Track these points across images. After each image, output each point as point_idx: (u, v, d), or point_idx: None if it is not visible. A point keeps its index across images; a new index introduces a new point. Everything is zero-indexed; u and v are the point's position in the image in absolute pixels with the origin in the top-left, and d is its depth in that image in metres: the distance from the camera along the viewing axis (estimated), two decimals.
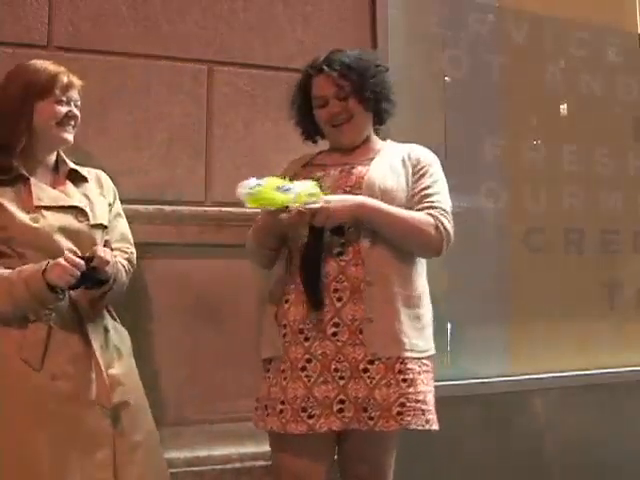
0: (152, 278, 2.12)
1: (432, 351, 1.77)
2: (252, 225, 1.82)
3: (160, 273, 2.12)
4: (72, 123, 1.72)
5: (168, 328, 2.13)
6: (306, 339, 1.67)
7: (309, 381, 1.64)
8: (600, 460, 2.79)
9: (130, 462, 1.65)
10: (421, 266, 1.81)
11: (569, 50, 3.10)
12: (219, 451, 1.90)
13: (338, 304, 1.67)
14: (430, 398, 1.71)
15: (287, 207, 1.61)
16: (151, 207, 2.13)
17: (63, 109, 1.69)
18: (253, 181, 1.60)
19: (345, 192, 1.72)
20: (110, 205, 1.84)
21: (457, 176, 2.79)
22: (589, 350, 2.93)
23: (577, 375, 2.83)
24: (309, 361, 1.66)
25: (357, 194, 1.70)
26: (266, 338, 1.77)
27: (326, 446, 1.74)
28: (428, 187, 1.78)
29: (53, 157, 1.76)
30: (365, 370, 1.64)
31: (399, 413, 1.62)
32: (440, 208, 1.75)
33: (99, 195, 1.82)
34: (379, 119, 1.90)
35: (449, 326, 2.72)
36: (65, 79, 1.69)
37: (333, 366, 1.64)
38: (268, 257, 1.82)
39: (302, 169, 1.86)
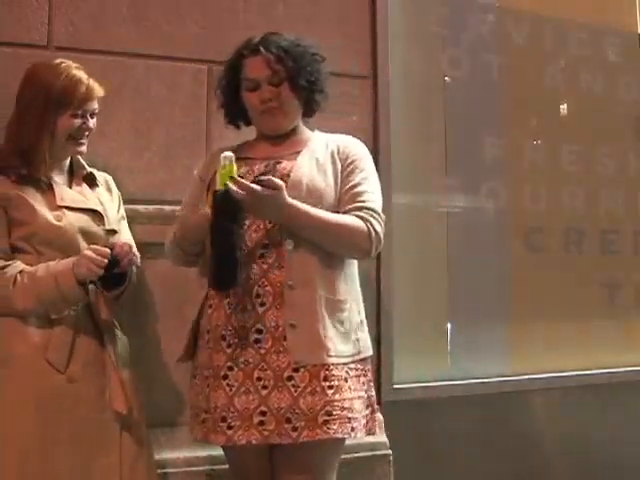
0: (152, 278, 2.12)
1: (365, 353, 1.69)
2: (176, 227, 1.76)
3: (160, 273, 2.12)
4: (86, 134, 1.72)
5: (167, 328, 2.13)
6: (228, 346, 1.61)
7: (230, 390, 1.58)
8: (600, 460, 2.79)
9: (133, 470, 1.66)
10: (349, 268, 1.72)
11: (569, 50, 3.10)
12: (219, 451, 1.90)
13: (260, 309, 1.59)
14: (357, 405, 1.62)
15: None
16: (151, 207, 2.13)
17: (77, 122, 1.68)
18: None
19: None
20: (117, 210, 1.85)
21: (457, 176, 2.80)
22: (589, 350, 2.93)
23: (577, 375, 2.83)
24: (231, 369, 1.59)
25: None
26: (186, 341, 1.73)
27: (262, 457, 1.68)
28: (358, 185, 1.69)
29: (68, 159, 1.77)
30: (290, 378, 1.56)
31: (325, 422, 1.54)
32: (370, 209, 1.66)
33: (109, 200, 1.83)
34: (309, 110, 1.78)
35: (449, 326, 2.72)
36: (83, 89, 1.67)
37: (256, 375, 1.57)
38: (190, 261, 1.78)
39: None
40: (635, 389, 2.93)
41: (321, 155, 1.72)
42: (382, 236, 1.68)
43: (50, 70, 1.68)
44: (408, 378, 2.47)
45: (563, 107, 3.10)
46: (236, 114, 1.82)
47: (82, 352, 1.63)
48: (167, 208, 2.13)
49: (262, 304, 1.60)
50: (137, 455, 1.68)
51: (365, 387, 1.67)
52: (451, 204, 2.81)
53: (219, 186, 1.55)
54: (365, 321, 1.75)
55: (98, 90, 1.71)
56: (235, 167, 1.55)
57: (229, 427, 1.57)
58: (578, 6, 3.13)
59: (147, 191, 2.18)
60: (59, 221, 1.63)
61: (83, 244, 1.66)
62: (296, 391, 1.55)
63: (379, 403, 2.36)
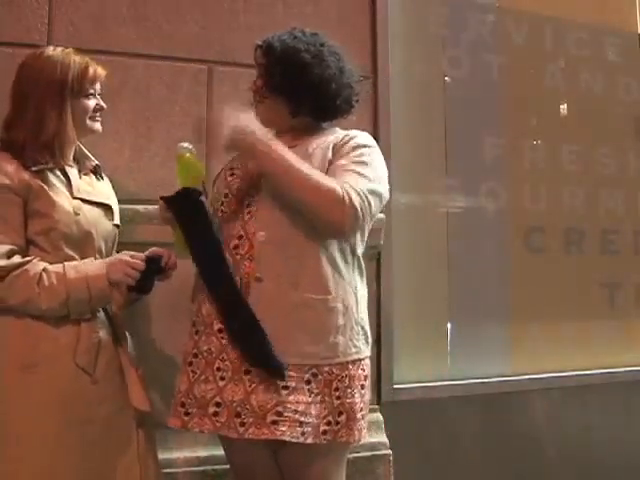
0: None
1: (345, 357, 1.59)
2: None
3: None
4: (99, 113, 1.74)
5: (168, 328, 2.13)
6: (196, 332, 1.62)
7: (193, 377, 1.59)
8: (601, 460, 2.79)
9: (146, 467, 1.68)
10: (335, 269, 1.60)
11: (569, 50, 3.10)
12: (219, 451, 1.89)
13: None
14: (313, 410, 1.54)
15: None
16: (151, 207, 2.13)
17: (92, 102, 1.70)
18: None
19: (251, 181, 1.63)
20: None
21: (457, 176, 2.80)
22: (589, 350, 2.93)
23: (577, 375, 2.83)
24: (195, 356, 1.60)
25: (257, 177, 1.60)
26: None
27: (260, 454, 1.65)
28: (345, 165, 1.58)
29: (73, 150, 1.75)
30: (247, 372, 1.53)
31: (274, 422, 1.50)
32: (352, 186, 1.52)
33: (114, 194, 1.83)
34: (310, 112, 1.68)
35: (449, 326, 2.72)
36: (92, 71, 1.70)
37: (216, 365, 1.56)
38: None
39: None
40: (635, 389, 2.93)
41: (312, 148, 1.64)
42: (363, 214, 1.52)
43: (55, 59, 1.67)
44: (408, 378, 2.47)
45: (563, 107, 3.10)
46: None
47: (105, 352, 1.63)
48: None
49: None
50: (148, 451, 1.70)
51: (338, 393, 1.57)
52: (451, 204, 2.81)
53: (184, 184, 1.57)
54: (356, 325, 1.63)
55: (102, 72, 1.74)
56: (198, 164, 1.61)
57: (186, 413, 1.58)
58: (578, 6, 3.13)
59: (147, 191, 2.18)
60: (77, 214, 1.62)
61: (98, 240, 1.66)
62: (250, 386, 1.53)
63: (379, 403, 2.36)
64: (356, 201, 1.50)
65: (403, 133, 2.61)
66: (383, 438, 2.28)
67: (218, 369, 1.56)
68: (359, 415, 1.61)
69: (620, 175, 3.15)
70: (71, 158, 1.71)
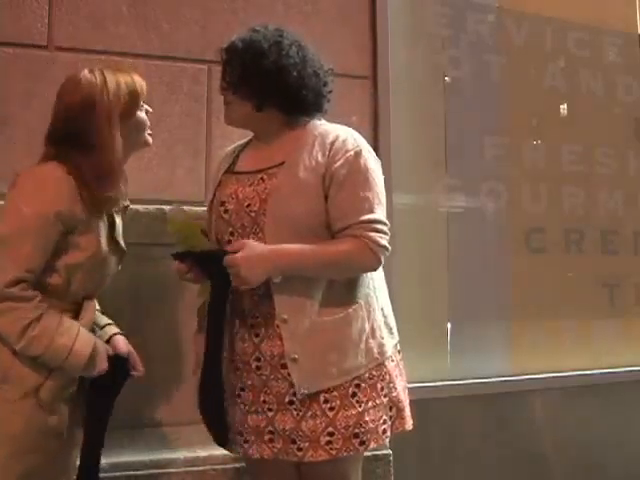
0: (152, 278, 2.12)
1: (381, 358, 1.63)
2: None
3: (160, 273, 2.12)
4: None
5: (168, 328, 2.13)
6: (236, 369, 1.64)
7: (244, 408, 1.63)
8: (601, 460, 2.79)
9: None
10: (352, 280, 1.62)
11: (569, 50, 3.10)
12: (219, 451, 1.89)
13: (256, 340, 1.60)
14: (367, 417, 1.57)
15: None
16: (151, 207, 2.13)
17: (144, 115, 1.64)
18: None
19: (250, 217, 1.59)
20: None
21: (457, 176, 2.80)
22: (589, 350, 2.93)
23: (577, 375, 2.83)
24: (242, 390, 1.64)
25: (261, 220, 1.57)
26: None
27: (285, 471, 1.68)
28: (346, 199, 1.57)
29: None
30: (291, 402, 1.57)
31: (328, 442, 1.55)
32: (362, 222, 1.55)
33: None
34: (276, 105, 1.63)
35: (449, 326, 2.72)
36: (140, 87, 1.61)
37: (262, 398, 1.60)
38: None
39: (224, 177, 1.71)
40: (635, 389, 2.93)
41: (302, 169, 1.58)
42: (385, 242, 1.57)
43: (109, 88, 1.55)
44: (408, 378, 2.46)
45: (563, 107, 3.10)
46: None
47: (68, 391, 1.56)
48: (167, 208, 2.14)
49: (257, 335, 1.60)
50: None
51: (385, 391, 1.63)
52: (451, 204, 2.81)
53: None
54: (381, 322, 1.67)
55: (142, 80, 1.65)
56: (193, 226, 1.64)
57: (245, 441, 1.63)
58: (578, 6, 3.13)
59: (147, 191, 2.18)
60: (107, 258, 1.58)
61: (107, 284, 1.64)
62: (298, 415, 1.57)
63: None
64: (376, 238, 1.55)
65: (403, 133, 2.61)
66: (385, 441, 2.28)
67: (264, 402, 1.60)
68: (405, 403, 1.69)
69: (620, 175, 3.15)
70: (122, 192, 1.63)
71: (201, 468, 2.09)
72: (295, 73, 1.61)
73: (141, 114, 1.62)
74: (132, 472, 1.98)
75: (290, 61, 1.61)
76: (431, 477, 2.51)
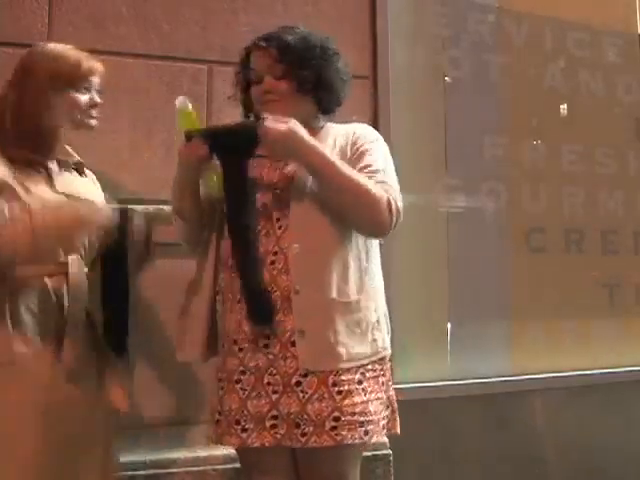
0: (152, 278, 2.12)
1: (383, 352, 1.65)
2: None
3: (160, 273, 2.12)
4: (95, 110, 1.70)
5: (168, 328, 2.13)
6: (240, 350, 1.60)
7: (243, 394, 1.58)
8: (601, 460, 2.79)
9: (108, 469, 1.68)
10: (365, 268, 1.65)
11: (569, 50, 3.10)
12: (219, 451, 1.90)
13: None
14: (372, 408, 1.58)
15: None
16: (151, 207, 2.13)
17: (84, 97, 1.67)
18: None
19: (275, 194, 1.62)
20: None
21: (457, 176, 2.80)
22: (589, 350, 2.93)
23: (577, 375, 2.83)
24: (243, 373, 1.59)
25: (283, 191, 1.61)
26: (189, 338, 1.69)
27: (282, 462, 1.65)
28: (369, 165, 1.62)
29: (57, 145, 1.73)
30: (298, 384, 1.54)
31: (333, 428, 1.52)
32: (387, 183, 1.61)
33: (99, 194, 1.81)
34: (321, 107, 1.72)
35: (449, 326, 2.72)
36: (86, 65, 1.66)
37: (266, 380, 1.57)
38: (190, 220, 1.72)
39: None
40: (635, 389, 2.93)
41: (328, 151, 1.65)
42: (402, 213, 1.61)
43: (48, 55, 1.66)
44: (408, 378, 2.47)
45: (563, 107, 3.10)
46: (247, 109, 1.79)
47: (76, 349, 1.60)
48: (167, 208, 2.13)
49: None
50: (109, 455, 1.70)
51: (384, 387, 1.64)
52: (451, 204, 2.81)
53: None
54: (383, 319, 1.68)
55: (98, 67, 1.70)
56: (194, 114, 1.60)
57: (243, 430, 1.57)
58: (578, 6, 3.13)
59: (147, 191, 2.18)
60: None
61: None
62: (304, 397, 1.54)
63: None
64: (399, 203, 1.61)
65: (403, 133, 2.61)
66: (383, 438, 2.27)
67: (268, 384, 1.56)
68: (395, 405, 1.69)
69: (620, 175, 3.15)
70: (55, 154, 1.69)
71: (201, 468, 2.09)
72: (339, 72, 1.70)
73: (76, 94, 1.65)
74: (132, 472, 1.99)
75: (335, 59, 1.70)
76: (431, 477, 2.51)
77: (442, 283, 2.71)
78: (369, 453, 2.22)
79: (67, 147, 1.77)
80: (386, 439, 2.29)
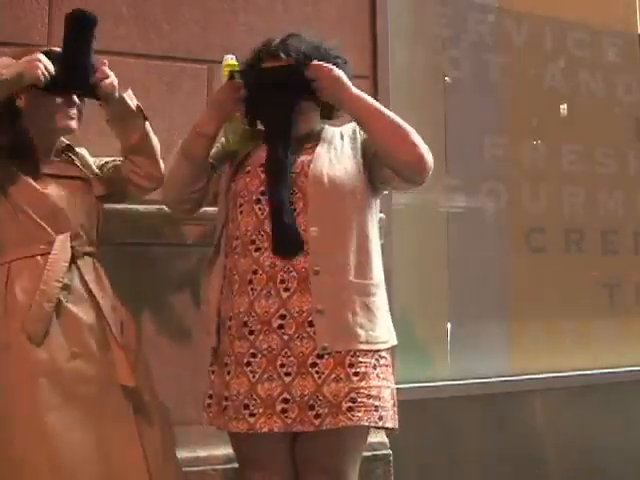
0: (152, 278, 2.12)
1: (392, 342, 1.67)
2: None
3: (160, 273, 2.12)
4: (73, 111, 1.70)
5: (168, 328, 2.13)
6: (251, 332, 1.57)
7: (253, 377, 1.55)
8: (601, 460, 2.79)
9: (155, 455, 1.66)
10: (376, 254, 1.68)
11: (569, 50, 3.10)
12: (219, 451, 1.90)
13: (285, 294, 1.56)
14: (386, 394, 1.58)
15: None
16: (151, 207, 2.13)
17: (59, 99, 1.66)
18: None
19: (290, 179, 1.64)
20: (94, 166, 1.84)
21: (457, 176, 2.80)
22: (589, 350, 2.93)
23: (577, 375, 2.83)
24: (254, 356, 1.56)
25: (302, 181, 1.62)
26: (204, 327, 1.71)
27: (278, 459, 1.65)
28: None
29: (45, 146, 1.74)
30: (313, 365, 1.53)
31: (349, 409, 1.50)
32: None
33: (93, 167, 1.82)
34: (328, 113, 1.77)
35: (449, 326, 2.72)
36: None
37: (279, 361, 1.54)
38: (192, 162, 1.73)
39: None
40: (635, 389, 2.93)
41: (338, 143, 1.70)
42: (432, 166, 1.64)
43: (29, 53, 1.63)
44: (408, 378, 2.47)
45: (563, 107, 3.10)
46: (254, 115, 1.77)
47: (78, 323, 1.60)
48: (167, 208, 2.13)
49: (286, 289, 1.57)
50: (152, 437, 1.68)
51: (392, 378, 1.64)
52: (451, 204, 2.81)
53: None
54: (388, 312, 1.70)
55: None
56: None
57: (251, 414, 1.54)
58: (578, 6, 3.13)
59: None
60: (45, 189, 1.63)
61: (73, 214, 1.67)
62: (320, 378, 1.53)
63: None
64: (431, 158, 1.62)
65: None
66: (383, 438, 2.28)
67: (282, 365, 1.54)
68: (396, 400, 1.67)
69: (620, 175, 3.15)
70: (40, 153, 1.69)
71: (201, 468, 2.09)
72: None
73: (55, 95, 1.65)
74: None
75: (345, 68, 1.71)
76: (431, 477, 2.51)
77: (442, 283, 2.71)
78: (369, 453, 2.22)
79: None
80: (386, 439, 2.29)
